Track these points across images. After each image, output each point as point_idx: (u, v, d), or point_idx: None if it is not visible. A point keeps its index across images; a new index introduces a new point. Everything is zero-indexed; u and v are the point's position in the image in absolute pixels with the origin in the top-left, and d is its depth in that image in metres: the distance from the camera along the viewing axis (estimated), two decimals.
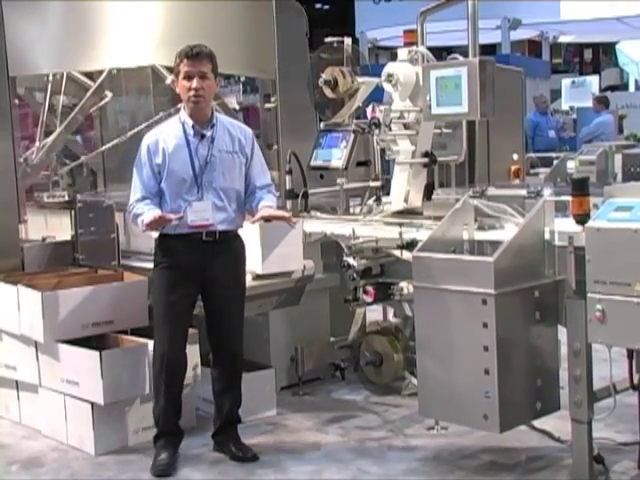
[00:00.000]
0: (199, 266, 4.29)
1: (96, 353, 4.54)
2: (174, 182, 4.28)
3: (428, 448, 4.51)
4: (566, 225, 3.92)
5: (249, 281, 4.62)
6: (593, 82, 17.73)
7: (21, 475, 4.45)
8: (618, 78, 20.41)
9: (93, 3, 5.74)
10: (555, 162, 7.33)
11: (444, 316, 3.97)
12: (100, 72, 6.27)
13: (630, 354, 3.86)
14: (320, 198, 5.62)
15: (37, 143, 6.19)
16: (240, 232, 4.45)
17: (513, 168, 6.05)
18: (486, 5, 6.12)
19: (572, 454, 4.03)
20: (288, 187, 5.43)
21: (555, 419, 4.26)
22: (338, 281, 5.47)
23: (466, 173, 5.72)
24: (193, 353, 4.58)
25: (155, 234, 4.43)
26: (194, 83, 4.23)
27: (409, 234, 4.63)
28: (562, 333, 4.02)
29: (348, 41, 5.84)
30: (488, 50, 14.77)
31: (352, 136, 5.55)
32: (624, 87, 19.37)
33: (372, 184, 5.58)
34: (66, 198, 5.87)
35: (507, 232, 4.13)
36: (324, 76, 5.50)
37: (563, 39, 19.48)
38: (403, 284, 4.77)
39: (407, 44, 5.56)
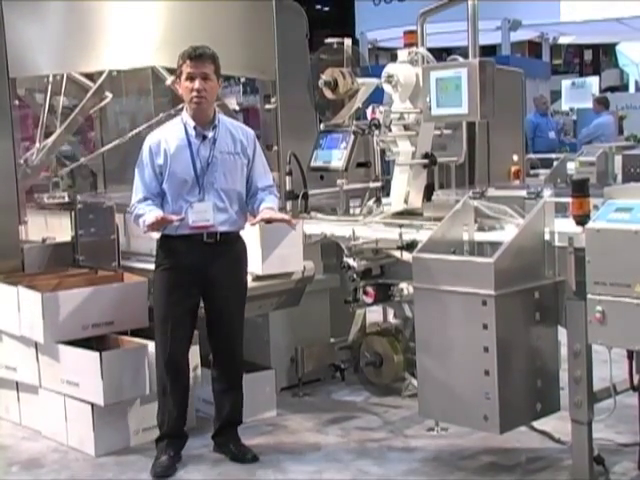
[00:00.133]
0: (200, 267, 4.29)
1: (96, 354, 4.54)
2: (175, 183, 4.28)
3: (428, 449, 4.51)
4: (566, 226, 3.92)
5: (249, 282, 4.62)
6: (593, 83, 17.72)
7: (21, 476, 4.45)
8: (618, 79, 20.41)
9: (93, 4, 5.74)
10: (555, 163, 7.34)
11: (444, 317, 3.97)
12: (100, 73, 6.28)
13: (630, 355, 3.86)
14: (320, 199, 5.62)
15: (37, 144, 6.19)
16: (241, 233, 4.45)
17: (513, 169, 6.05)
18: (486, 6, 6.11)
19: (572, 455, 4.03)
20: (288, 188, 5.44)
21: (555, 420, 4.27)
22: (338, 282, 5.47)
23: (466, 174, 5.72)
24: (193, 354, 4.58)
25: (156, 235, 4.43)
26: (196, 84, 4.23)
27: (409, 235, 4.63)
28: (562, 334, 4.02)
29: (348, 42, 5.84)
30: (488, 51, 14.76)
31: (352, 137, 5.54)
32: (624, 88, 19.35)
33: (372, 185, 5.58)
34: (66, 199, 5.88)
35: (507, 233, 4.13)
36: (324, 77, 5.50)
37: (563, 40, 19.46)
38: (403, 285, 4.78)
39: (407, 45, 5.54)
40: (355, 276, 4.83)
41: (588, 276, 3.69)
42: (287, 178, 5.44)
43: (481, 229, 4.37)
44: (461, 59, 5.40)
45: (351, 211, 5.63)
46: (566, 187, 4.61)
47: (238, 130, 4.45)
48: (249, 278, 4.63)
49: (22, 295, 4.85)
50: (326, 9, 24.83)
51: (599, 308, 3.64)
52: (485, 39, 10.94)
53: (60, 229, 5.65)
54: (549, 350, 4.02)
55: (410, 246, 4.53)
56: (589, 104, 13.80)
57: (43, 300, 4.69)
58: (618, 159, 6.48)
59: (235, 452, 4.47)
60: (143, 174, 4.34)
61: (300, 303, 5.21)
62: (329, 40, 5.93)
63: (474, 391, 3.86)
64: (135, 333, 4.90)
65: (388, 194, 5.39)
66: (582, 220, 3.78)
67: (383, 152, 5.28)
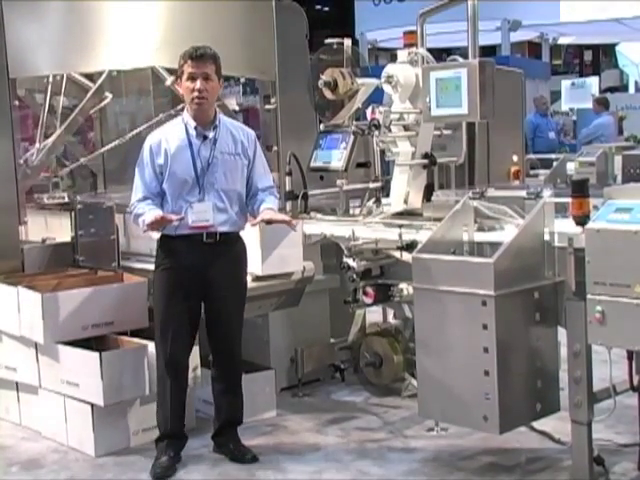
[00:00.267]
0: (200, 267, 4.29)
1: (96, 354, 4.54)
2: (176, 183, 4.28)
3: (428, 449, 4.51)
4: (566, 226, 3.92)
5: (249, 282, 4.62)
6: (593, 83, 17.71)
7: (21, 476, 4.44)
8: (618, 79, 20.41)
9: (93, 4, 5.74)
10: (555, 163, 7.34)
11: (444, 317, 3.97)
12: (100, 73, 6.28)
13: (630, 355, 3.86)
14: (320, 199, 5.62)
15: (37, 144, 6.19)
16: (241, 234, 4.45)
17: (513, 169, 6.06)
18: (486, 6, 6.11)
19: (572, 455, 4.03)
20: (288, 188, 5.44)
21: (555, 420, 4.27)
22: (338, 282, 5.47)
23: (466, 174, 5.72)
24: (193, 355, 4.57)
25: (156, 235, 4.43)
26: (197, 84, 4.23)
27: (409, 235, 4.63)
28: (562, 334, 4.02)
29: (348, 42, 5.84)
30: (488, 51, 14.75)
31: (352, 137, 5.55)
32: (624, 88, 19.36)
33: (372, 185, 5.58)
34: (66, 199, 5.88)
35: (507, 233, 4.13)
36: (324, 77, 5.50)
37: (563, 40, 19.46)
38: (403, 285, 4.78)
39: (407, 45, 5.54)
40: (355, 276, 4.83)
41: (588, 276, 3.69)
42: (287, 178, 5.44)
43: (481, 229, 4.37)
44: (461, 59, 5.40)
45: (351, 211, 5.63)
46: (566, 187, 4.61)
47: (239, 131, 4.45)
48: (249, 278, 4.63)
49: (22, 295, 4.85)
50: (326, 9, 24.82)
51: (599, 308, 3.64)
52: (485, 39, 10.94)
53: (60, 229, 5.65)
54: (549, 350, 4.02)
55: (410, 246, 4.54)
56: (589, 104, 13.80)
57: (43, 300, 4.69)
58: (618, 159, 6.48)
59: (235, 452, 4.47)
60: (143, 173, 4.34)
61: (300, 303, 5.21)
62: (329, 40, 5.93)
63: (474, 391, 3.86)
64: (135, 333, 4.90)
65: (388, 194, 5.39)
66: (582, 220, 3.78)
67: (383, 152, 5.28)
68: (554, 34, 18.14)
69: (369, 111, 5.14)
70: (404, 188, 5.16)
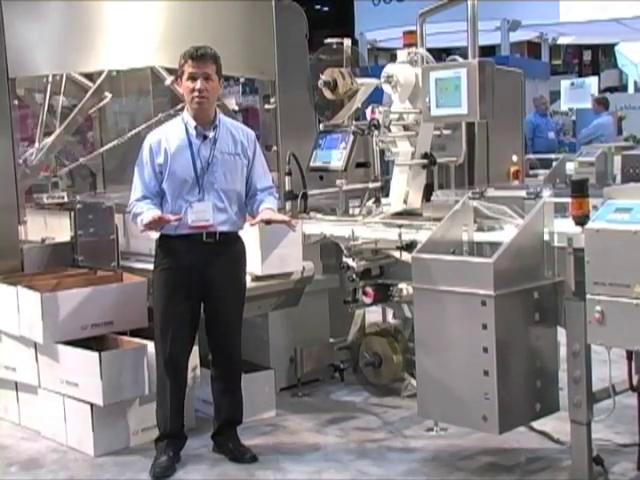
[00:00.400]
0: (199, 267, 4.29)
1: (95, 354, 4.54)
2: (175, 182, 4.28)
3: (427, 449, 4.51)
4: (565, 226, 3.92)
5: (248, 282, 4.62)
6: (592, 83, 17.72)
7: (20, 476, 4.44)
8: (617, 79, 20.42)
9: (93, 4, 5.74)
10: (554, 163, 7.35)
11: (443, 317, 3.97)
12: (100, 73, 6.28)
13: (629, 355, 3.85)
14: (319, 199, 5.62)
15: (37, 144, 6.19)
16: (240, 233, 4.45)
17: (512, 169, 6.06)
18: (485, 6, 6.11)
19: (571, 455, 4.03)
20: (287, 188, 5.44)
21: (554, 420, 4.27)
22: (337, 282, 5.47)
23: (465, 174, 5.73)
24: (192, 354, 4.58)
25: (155, 235, 4.43)
26: (198, 84, 4.23)
27: (408, 235, 4.63)
28: (561, 334, 4.02)
29: (347, 42, 5.84)
30: (487, 51, 14.75)
31: (351, 137, 5.54)
32: (623, 88, 19.36)
33: (371, 185, 5.57)
34: (65, 199, 5.88)
35: (506, 233, 4.13)
36: (323, 77, 5.50)
37: (562, 40, 19.46)
38: (402, 285, 4.78)
39: (406, 45, 5.54)
40: (354, 276, 4.83)
41: (587, 276, 3.69)
42: (286, 178, 5.44)
43: (480, 229, 4.37)
44: (460, 59, 5.40)
45: (350, 211, 5.63)
46: (565, 187, 4.61)
47: (239, 131, 4.45)
48: (248, 278, 4.63)
49: (21, 295, 4.85)
50: (325, 9, 24.83)
51: (598, 308, 3.64)
52: (484, 39, 10.93)
53: (59, 229, 5.65)
54: (548, 350, 4.02)
55: (409, 246, 4.54)
56: (588, 104, 13.81)
57: (42, 300, 4.69)
58: (617, 159, 6.49)
59: (234, 452, 4.47)
60: (143, 173, 4.34)
61: (299, 303, 5.21)
62: (328, 40, 5.93)
63: (473, 391, 3.86)
64: (134, 333, 4.90)
65: (387, 194, 5.39)
66: (581, 220, 3.78)
67: (382, 152, 5.28)
68: (553, 34, 18.15)
69: (369, 111, 5.13)
70: (404, 188, 5.16)
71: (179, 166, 4.28)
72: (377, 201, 5.51)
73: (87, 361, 4.58)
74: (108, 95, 6.48)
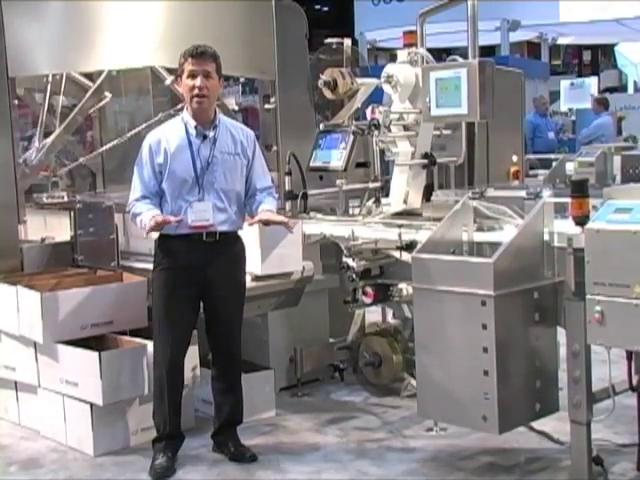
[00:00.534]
0: (199, 267, 4.29)
1: (95, 354, 4.54)
2: (175, 182, 4.28)
3: (427, 449, 4.51)
4: (565, 226, 3.92)
5: (248, 282, 4.62)
6: (592, 84, 17.73)
7: (20, 476, 4.44)
8: (617, 80, 20.43)
9: (93, 4, 5.74)
10: (554, 164, 7.35)
11: (443, 317, 3.97)
12: (99, 73, 6.28)
13: (629, 355, 3.85)
14: (319, 199, 5.62)
15: (36, 144, 6.19)
16: (240, 233, 4.45)
17: (512, 169, 6.06)
18: (485, 6, 6.11)
19: (571, 455, 4.02)
20: (287, 188, 5.44)
21: (554, 420, 4.27)
22: (337, 282, 5.47)
23: (465, 174, 5.73)
24: (192, 354, 4.58)
25: (155, 235, 4.43)
26: (198, 82, 4.23)
27: (408, 235, 4.63)
28: (561, 334, 4.02)
29: (347, 42, 5.84)
30: (487, 51, 14.75)
31: (351, 137, 5.55)
32: (623, 89, 19.37)
33: (371, 185, 5.58)
34: (65, 199, 5.88)
35: (506, 233, 4.13)
36: (323, 77, 5.50)
37: (562, 41, 19.48)
38: (402, 285, 4.78)
39: (406, 45, 5.54)
40: (354, 276, 4.83)
41: (587, 276, 3.69)
42: (286, 178, 5.44)
43: (480, 229, 4.37)
44: (460, 59, 5.40)
45: (350, 211, 5.63)
46: (565, 187, 4.60)
47: (238, 131, 4.45)
48: (248, 278, 4.63)
49: (21, 295, 4.85)
50: (325, 9, 24.84)
51: (598, 308, 3.64)
52: (484, 39, 10.94)
53: (59, 229, 5.65)
54: (548, 350, 4.02)
55: (409, 246, 4.54)
56: (588, 105, 13.82)
57: (42, 300, 4.69)
58: (617, 160, 6.49)
59: (234, 452, 4.47)
60: (142, 172, 4.33)
61: (299, 303, 5.20)
62: (328, 40, 5.93)
63: (473, 391, 3.86)
64: (134, 333, 4.90)
65: (387, 194, 5.39)
66: (581, 220, 3.78)
67: (382, 152, 5.28)
68: (553, 34, 18.17)
69: (369, 111, 5.14)
70: (404, 188, 5.16)
71: (179, 166, 4.28)
72: (377, 201, 5.51)
73: (87, 361, 4.58)
74: (108, 95, 6.48)
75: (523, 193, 4.33)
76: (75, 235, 5.47)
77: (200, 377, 4.77)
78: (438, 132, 5.38)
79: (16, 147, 5.61)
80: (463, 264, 3.99)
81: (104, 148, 6.60)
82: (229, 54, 4.90)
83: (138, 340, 4.78)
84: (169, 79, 5.78)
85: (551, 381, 4.04)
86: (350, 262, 4.82)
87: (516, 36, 16.94)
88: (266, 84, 6.39)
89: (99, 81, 6.34)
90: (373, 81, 5.53)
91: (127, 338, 4.87)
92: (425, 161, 5.19)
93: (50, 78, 6.27)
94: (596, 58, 23.56)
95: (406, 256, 4.50)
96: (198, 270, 4.29)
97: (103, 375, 4.50)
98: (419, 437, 4.67)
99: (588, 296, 3.69)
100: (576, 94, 16.85)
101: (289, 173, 5.44)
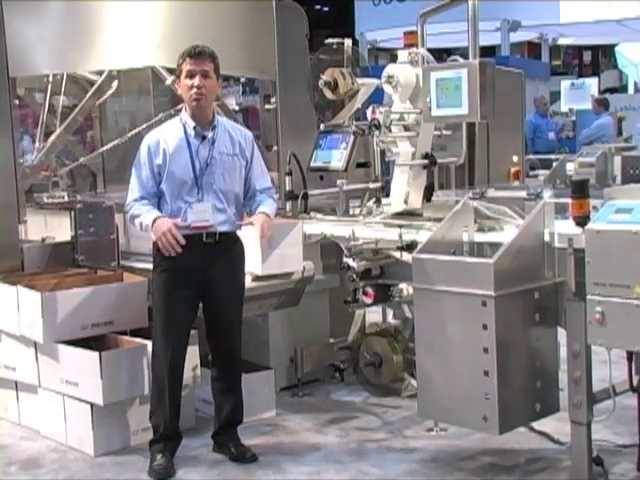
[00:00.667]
0: (199, 267, 4.29)
1: (95, 354, 4.53)
2: (174, 183, 4.28)
3: (427, 450, 4.51)
4: (566, 227, 3.92)
5: (249, 282, 4.63)
6: (592, 84, 17.74)
7: (20, 476, 4.44)
8: (617, 80, 20.44)
9: (93, 4, 5.74)
10: (555, 164, 7.34)
11: (444, 318, 3.97)
12: (100, 73, 6.28)
13: (629, 356, 3.85)
14: (320, 199, 5.62)
15: (37, 144, 6.19)
16: (240, 233, 4.45)
17: (513, 170, 6.06)
18: (486, 7, 6.11)
19: (571, 456, 4.02)
20: (288, 188, 5.44)
21: (554, 421, 4.27)
22: (338, 282, 5.46)
23: (466, 175, 5.73)
24: (192, 354, 4.58)
25: (154, 236, 4.42)
26: (196, 81, 4.23)
27: (409, 235, 4.63)
28: (562, 335, 4.02)
29: (348, 42, 5.84)
30: (487, 52, 14.75)
31: (352, 137, 5.55)
32: (623, 89, 19.38)
33: (372, 185, 5.58)
34: (66, 199, 5.88)
35: (507, 234, 4.13)
36: (324, 77, 5.50)
37: (562, 41, 19.50)
38: (403, 285, 4.78)
39: (407, 46, 5.54)
40: (355, 276, 4.83)
41: (588, 277, 3.69)
42: (287, 178, 5.44)
43: (481, 230, 4.37)
44: (461, 60, 5.40)
45: (351, 211, 5.63)
46: (566, 188, 4.60)
47: (237, 131, 4.45)
48: (249, 278, 4.64)
49: (21, 295, 4.85)
50: (326, 9, 24.85)
51: (598, 309, 3.64)
52: (484, 40, 10.93)
53: (60, 229, 5.64)
54: (548, 351, 4.02)
55: (410, 247, 4.54)
56: (588, 105, 13.83)
57: (42, 300, 4.69)
58: (617, 160, 6.48)
59: (234, 452, 4.47)
60: (140, 173, 4.33)
61: (300, 303, 5.20)
62: (329, 40, 5.93)
63: (473, 392, 3.86)
64: (134, 333, 4.90)
65: (388, 194, 5.39)
66: (582, 221, 3.78)
67: (383, 152, 5.28)
68: (554, 34, 18.18)
69: (369, 111, 5.14)
70: (404, 188, 5.17)
71: (178, 167, 4.28)
72: (377, 201, 5.51)
73: (87, 361, 4.57)
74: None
75: (524, 193, 4.34)
76: (75, 235, 5.47)
77: (200, 377, 4.77)
78: (439, 132, 5.38)
79: (16, 147, 5.61)
80: (463, 264, 3.99)
81: (105, 148, 6.60)
82: (229, 54, 4.92)
83: (138, 340, 4.78)
84: (169, 79, 5.77)
85: (551, 381, 4.04)
86: (350, 262, 4.82)
87: (516, 36, 16.95)
88: (266, 84, 6.39)
89: (100, 81, 6.35)
90: (374, 81, 5.53)
91: (127, 338, 4.87)
92: (426, 161, 5.19)
93: (50, 78, 6.27)
94: (596, 58, 23.57)
95: (406, 256, 4.50)
96: (198, 271, 4.29)
97: (103, 375, 4.49)
98: (419, 437, 4.67)
99: (588, 296, 3.69)
100: (576, 94, 16.86)
101: (290, 173, 5.44)
